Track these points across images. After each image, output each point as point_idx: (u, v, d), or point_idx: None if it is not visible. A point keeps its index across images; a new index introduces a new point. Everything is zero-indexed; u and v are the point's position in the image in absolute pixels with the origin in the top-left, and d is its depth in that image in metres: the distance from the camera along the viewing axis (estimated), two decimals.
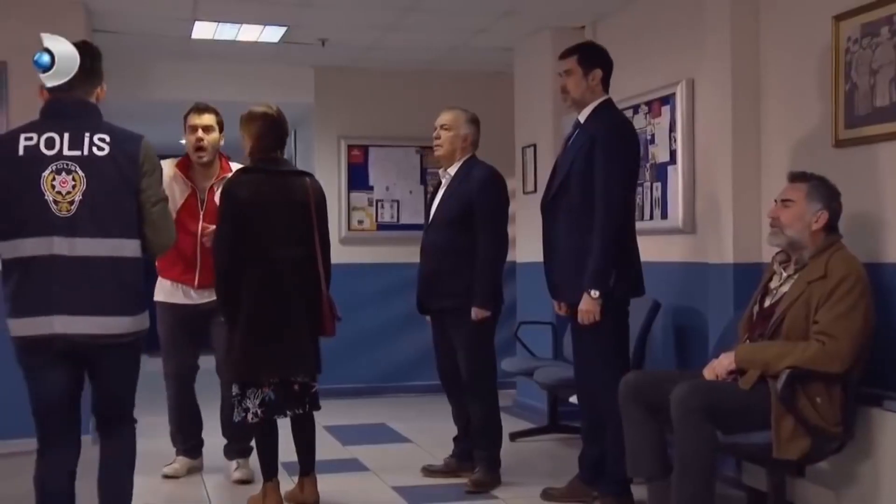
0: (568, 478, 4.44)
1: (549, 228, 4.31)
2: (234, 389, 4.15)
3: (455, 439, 4.96)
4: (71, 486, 3.20)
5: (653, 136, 5.46)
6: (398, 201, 7.89)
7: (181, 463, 5.01)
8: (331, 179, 7.78)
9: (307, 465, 4.35)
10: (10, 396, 5.49)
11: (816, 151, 4.20)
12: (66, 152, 3.01)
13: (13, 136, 3.06)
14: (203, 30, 6.44)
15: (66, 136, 3.03)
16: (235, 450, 4.85)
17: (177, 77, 7.47)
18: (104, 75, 3.40)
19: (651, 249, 4.57)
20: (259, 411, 4.10)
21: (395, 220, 7.89)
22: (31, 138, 3.03)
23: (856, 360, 3.48)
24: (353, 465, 5.21)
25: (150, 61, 7.31)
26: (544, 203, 4.34)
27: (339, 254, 7.74)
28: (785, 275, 3.74)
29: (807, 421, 3.43)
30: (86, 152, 3.03)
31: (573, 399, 4.94)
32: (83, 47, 3.31)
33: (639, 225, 4.44)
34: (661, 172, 5.39)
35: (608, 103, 4.24)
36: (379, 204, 7.86)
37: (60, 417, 3.15)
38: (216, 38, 6.63)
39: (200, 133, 4.60)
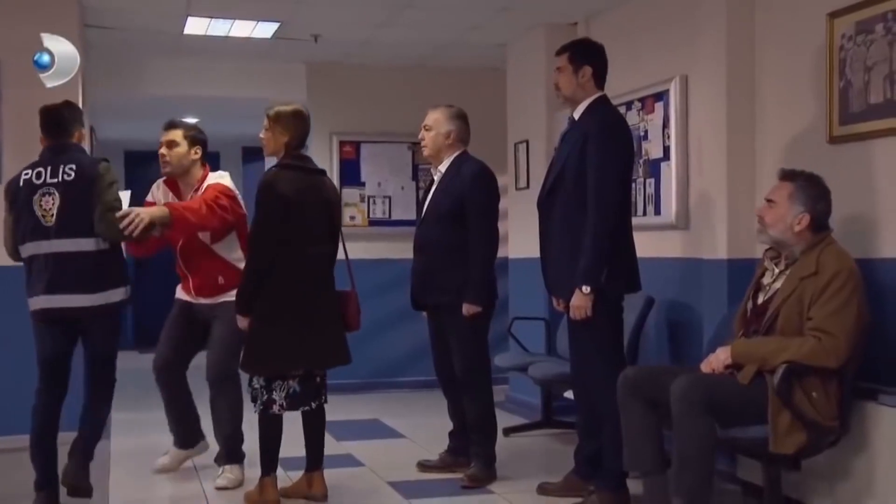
0: (563, 472, 4.46)
1: (545, 224, 4.33)
2: (257, 383, 4.21)
3: (450, 434, 4.97)
4: (55, 418, 4.27)
5: (646, 132, 5.48)
6: (390, 197, 7.89)
7: (171, 455, 5.06)
8: None
9: (317, 459, 4.41)
10: (7, 393, 5.51)
11: (811, 148, 4.22)
12: (48, 180, 4.17)
13: (18, 175, 4.27)
14: (196, 25, 6.42)
15: (49, 168, 4.19)
16: (225, 455, 4.81)
17: (169, 73, 7.46)
18: (82, 117, 4.47)
19: (645, 245, 4.59)
20: (284, 403, 4.20)
21: (386, 216, 7.89)
22: (27, 174, 4.23)
23: (851, 354, 3.51)
24: (348, 461, 5.21)
25: (143, 57, 7.30)
26: (540, 199, 4.35)
27: None
28: (777, 271, 3.76)
29: (803, 415, 3.46)
30: (60, 179, 4.15)
31: (568, 394, 4.95)
32: (65, 106, 4.38)
33: (632, 221, 4.45)
34: (654, 168, 5.41)
35: (602, 100, 4.25)
36: (371, 200, 7.87)
37: (53, 368, 4.26)
38: (209, 33, 6.62)
39: (164, 149, 4.84)
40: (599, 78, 4.24)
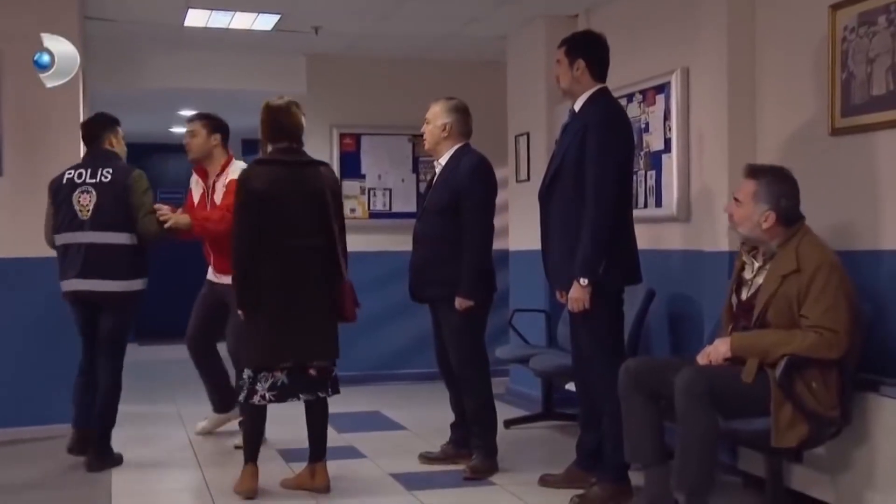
0: (564, 464, 4.47)
1: (546, 217, 4.32)
2: (247, 373, 4.26)
3: (452, 426, 4.98)
4: (93, 371, 4.91)
5: (647, 124, 5.48)
6: (390, 189, 7.89)
7: (210, 419, 5.69)
8: None
9: (319, 451, 4.41)
10: (14, 386, 5.53)
11: (812, 140, 4.23)
12: (87, 180, 4.81)
13: (62, 174, 4.90)
14: (196, 17, 6.42)
15: (89, 170, 4.85)
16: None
17: (169, 66, 7.45)
18: (115, 125, 5.07)
19: (645, 237, 4.59)
20: (269, 395, 4.22)
21: (387, 208, 7.90)
22: (70, 173, 4.87)
23: (851, 345, 3.52)
24: (350, 452, 5.22)
25: (143, 50, 7.29)
26: (541, 192, 4.35)
27: None
28: (756, 265, 3.77)
29: (804, 406, 3.47)
30: (98, 179, 4.80)
31: (569, 386, 4.96)
32: (96, 118, 5.11)
33: (633, 213, 4.44)
34: (655, 161, 5.41)
35: (603, 92, 4.24)
36: (371, 192, 7.86)
37: (84, 343, 4.98)
38: (209, 25, 6.61)
39: (186, 139, 5.41)
40: (596, 70, 4.21)
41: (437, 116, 4.81)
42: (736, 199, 3.76)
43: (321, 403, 4.38)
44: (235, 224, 4.27)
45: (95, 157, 4.91)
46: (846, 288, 3.54)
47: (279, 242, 4.18)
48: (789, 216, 3.66)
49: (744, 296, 3.78)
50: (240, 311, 4.28)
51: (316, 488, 4.37)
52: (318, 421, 4.40)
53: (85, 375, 4.93)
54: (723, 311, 3.92)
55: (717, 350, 3.69)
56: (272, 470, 4.74)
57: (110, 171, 4.80)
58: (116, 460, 4.90)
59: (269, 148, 4.36)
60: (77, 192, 4.77)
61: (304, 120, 4.45)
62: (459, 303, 4.61)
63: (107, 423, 4.86)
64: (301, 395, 4.29)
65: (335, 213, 4.33)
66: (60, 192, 4.83)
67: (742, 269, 3.85)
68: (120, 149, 5.00)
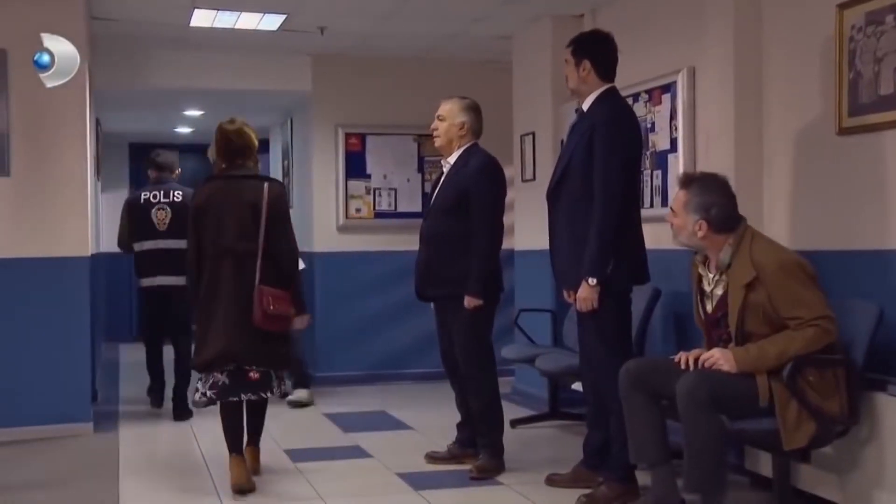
0: (571, 464, 4.47)
1: (554, 217, 4.33)
2: (199, 375, 4.51)
3: (458, 425, 4.98)
4: (161, 345, 6.67)
5: (653, 124, 5.48)
6: (395, 189, 7.89)
7: (303, 393, 6.73)
8: (328, 167, 7.79)
9: (252, 440, 4.67)
10: (22, 386, 5.53)
11: (819, 139, 4.22)
12: (161, 200, 6.37)
13: (139, 193, 6.50)
14: (202, 17, 6.41)
15: (162, 192, 6.39)
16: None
17: (175, 65, 7.44)
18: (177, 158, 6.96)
19: (651, 237, 4.58)
20: (210, 393, 4.40)
21: (392, 208, 7.89)
22: (146, 194, 6.43)
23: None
24: (356, 452, 5.23)
25: (149, 49, 7.29)
26: (549, 191, 4.35)
27: (337, 242, 7.79)
28: (712, 276, 3.78)
29: (808, 403, 3.46)
30: (171, 199, 6.36)
31: (576, 386, 4.96)
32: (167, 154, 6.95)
33: (641, 213, 4.44)
34: (661, 160, 5.41)
35: (611, 91, 4.24)
36: (376, 192, 7.86)
37: (154, 328, 6.65)
38: (215, 25, 6.61)
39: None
40: (603, 70, 4.21)
41: (454, 114, 4.79)
42: (672, 210, 3.78)
43: (257, 403, 4.55)
44: (187, 235, 4.63)
45: (163, 182, 6.52)
46: (810, 274, 3.56)
47: (213, 248, 4.45)
48: (722, 224, 3.68)
49: (708, 308, 3.79)
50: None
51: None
52: (256, 414, 4.62)
53: (153, 346, 6.66)
54: (696, 320, 3.93)
55: (716, 361, 3.60)
56: (278, 466, 4.76)
57: (180, 192, 6.37)
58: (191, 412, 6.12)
59: (223, 164, 4.67)
60: (154, 209, 6.34)
61: (255, 140, 4.69)
62: (468, 301, 4.61)
63: (186, 382, 6.10)
64: (242, 395, 4.41)
65: (274, 223, 4.45)
66: (136, 208, 6.41)
67: (700, 281, 3.86)
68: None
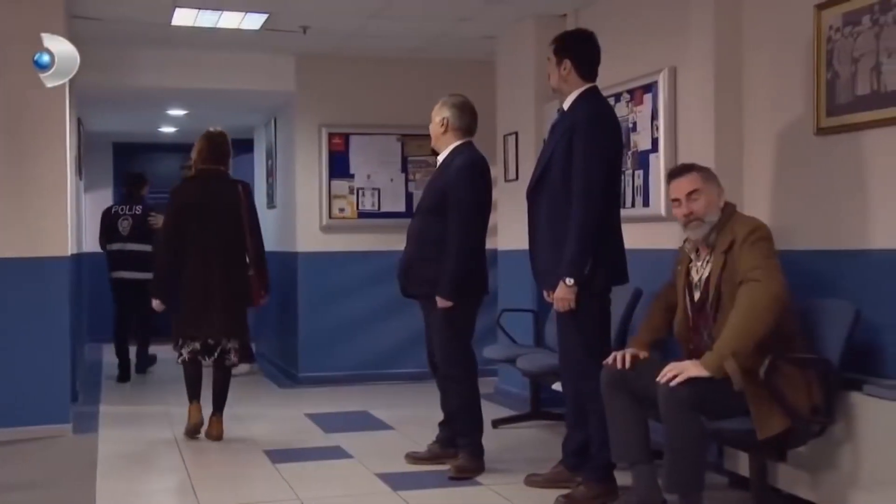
0: (551, 464, 4.46)
1: (533, 216, 4.32)
2: (179, 340, 5.49)
3: (440, 424, 4.97)
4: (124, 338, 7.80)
5: (635, 123, 5.48)
6: (379, 189, 7.87)
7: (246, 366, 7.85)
8: (311, 167, 7.77)
9: (217, 406, 5.50)
10: (3, 386, 5.50)
11: (798, 139, 4.23)
12: (126, 212, 8.08)
13: (111, 206, 7.45)
14: (183, 16, 6.39)
15: (128, 206, 8.01)
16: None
17: (157, 65, 7.40)
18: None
19: (633, 237, 4.58)
20: (187, 355, 5.49)
21: (375, 208, 7.87)
22: (115, 207, 7.99)
23: (786, 303, 3.52)
24: (336, 453, 5.20)
25: (131, 49, 7.24)
26: (529, 190, 4.34)
27: (320, 242, 7.77)
28: (700, 263, 3.80)
29: (778, 392, 3.46)
30: (133, 212, 8.02)
31: (556, 386, 4.95)
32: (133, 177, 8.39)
33: (623, 213, 4.44)
34: (643, 160, 5.41)
35: (592, 91, 4.23)
36: (360, 192, 7.84)
37: (121, 308, 8.16)
38: (197, 24, 6.58)
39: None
40: (584, 69, 4.20)
41: (435, 112, 4.82)
42: (690, 194, 3.76)
43: (220, 367, 5.51)
44: (163, 227, 5.53)
45: (129, 196, 8.17)
46: (777, 258, 3.60)
47: (196, 242, 5.35)
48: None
49: (696, 297, 3.79)
50: (157, 301, 5.51)
51: (210, 435, 5.45)
52: (220, 382, 5.51)
53: (120, 331, 8.04)
54: (678, 330, 3.89)
55: (686, 372, 3.52)
56: (257, 467, 4.74)
57: (139, 207, 7.97)
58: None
59: (201, 165, 5.54)
60: (119, 219, 7.90)
61: (231, 149, 5.67)
62: (440, 302, 4.61)
63: (145, 345, 8.21)
64: (208, 358, 5.47)
65: (247, 220, 5.47)
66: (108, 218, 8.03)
67: (688, 274, 3.85)
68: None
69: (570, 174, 4.06)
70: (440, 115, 4.79)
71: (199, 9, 6.22)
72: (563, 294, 4.03)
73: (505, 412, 6.12)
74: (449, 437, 4.88)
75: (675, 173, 3.89)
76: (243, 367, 7.54)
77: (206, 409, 5.48)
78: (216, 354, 5.46)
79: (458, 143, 4.77)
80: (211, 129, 5.63)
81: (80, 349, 8.04)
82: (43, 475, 4.80)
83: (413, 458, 4.93)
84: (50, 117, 5.63)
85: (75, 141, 7.48)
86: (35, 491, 4.54)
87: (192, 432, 5.46)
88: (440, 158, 4.81)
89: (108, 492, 4.46)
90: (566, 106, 4.24)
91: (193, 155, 5.64)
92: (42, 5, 5.54)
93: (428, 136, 4.99)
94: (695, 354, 3.69)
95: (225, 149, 5.58)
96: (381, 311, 7.55)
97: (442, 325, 4.67)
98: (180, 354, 5.51)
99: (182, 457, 5.15)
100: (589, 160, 4.01)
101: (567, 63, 4.18)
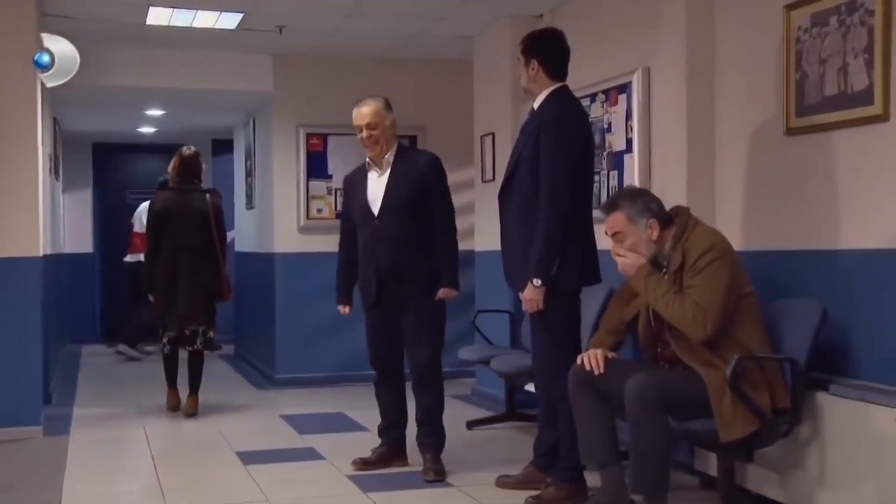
0: (524, 465, 4.44)
1: (504, 216, 4.31)
2: (160, 330, 6.36)
3: (383, 429, 4.90)
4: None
5: (609, 124, 5.47)
6: None
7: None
8: (289, 168, 7.73)
9: (193, 386, 6.33)
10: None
11: (769, 140, 4.23)
12: None
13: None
14: (158, 16, 6.34)
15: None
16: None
17: (134, 64, 7.33)
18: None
19: (606, 237, 4.57)
20: (166, 343, 6.38)
21: None
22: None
23: (717, 329, 3.53)
24: (309, 454, 5.18)
25: (106, 47, 7.16)
26: (500, 190, 4.33)
27: (298, 243, 7.74)
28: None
29: (745, 396, 3.46)
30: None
31: (529, 387, 4.94)
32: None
33: (595, 213, 4.42)
34: (618, 161, 5.40)
35: (561, 90, 4.21)
36: (338, 192, 7.80)
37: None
38: (172, 24, 6.54)
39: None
40: (552, 69, 4.18)
41: (382, 116, 4.84)
42: (615, 235, 3.78)
43: (198, 353, 6.33)
44: (146, 233, 6.42)
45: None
46: (728, 273, 3.56)
47: (170, 244, 6.19)
48: (664, 216, 3.76)
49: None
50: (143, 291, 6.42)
51: (186, 412, 6.27)
52: (195, 366, 6.33)
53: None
54: (641, 338, 3.92)
55: (626, 265, 3.73)
56: (228, 469, 4.70)
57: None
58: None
59: (176, 179, 6.35)
60: None
61: (204, 166, 6.52)
62: (446, 293, 4.66)
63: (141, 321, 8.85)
64: (186, 347, 6.33)
65: (215, 226, 6.27)
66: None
67: None
68: None
69: (538, 174, 4.04)
70: (388, 118, 4.81)
71: (174, 7, 6.18)
72: (531, 295, 4.01)
73: (482, 413, 6.11)
74: (397, 440, 4.82)
75: (603, 209, 3.91)
76: (124, 347, 9.29)
77: (184, 395, 6.40)
78: (197, 344, 6.29)
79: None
80: (185, 148, 6.41)
81: (57, 350, 7.99)
82: (9, 477, 4.75)
83: (364, 463, 4.80)
84: (20, 115, 5.56)
85: (49, 139, 7.42)
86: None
87: (172, 409, 6.44)
88: (389, 159, 4.79)
89: (75, 494, 4.43)
90: (536, 105, 4.23)
91: (170, 169, 6.42)
92: (14, 2, 5.49)
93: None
94: (660, 359, 3.74)
95: (195, 168, 6.38)
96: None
97: (432, 323, 4.69)
98: (163, 344, 6.37)
99: (153, 459, 5.11)
100: (555, 160, 3.99)
101: (534, 63, 4.16)
